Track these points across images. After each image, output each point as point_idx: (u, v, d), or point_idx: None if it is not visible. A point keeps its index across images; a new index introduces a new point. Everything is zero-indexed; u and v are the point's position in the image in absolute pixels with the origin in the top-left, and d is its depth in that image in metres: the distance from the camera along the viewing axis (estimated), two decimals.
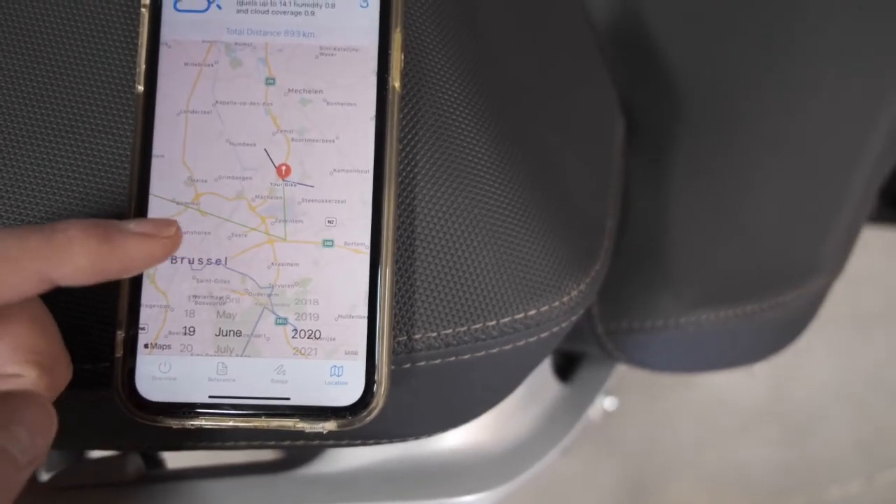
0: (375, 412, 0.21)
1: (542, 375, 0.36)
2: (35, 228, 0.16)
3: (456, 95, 0.24)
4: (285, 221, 0.21)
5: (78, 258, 0.16)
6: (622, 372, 0.93)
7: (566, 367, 0.39)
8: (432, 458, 0.31)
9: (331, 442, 0.25)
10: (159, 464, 0.32)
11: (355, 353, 0.21)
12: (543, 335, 0.24)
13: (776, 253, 0.33)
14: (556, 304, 0.24)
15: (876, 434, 0.94)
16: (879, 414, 0.95)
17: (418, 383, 0.23)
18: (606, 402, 0.65)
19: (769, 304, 0.32)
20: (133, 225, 0.18)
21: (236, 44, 0.22)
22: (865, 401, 0.95)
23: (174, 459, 0.32)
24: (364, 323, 0.21)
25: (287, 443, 0.24)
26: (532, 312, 0.24)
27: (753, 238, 0.33)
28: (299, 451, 0.31)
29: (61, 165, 0.22)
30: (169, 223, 0.19)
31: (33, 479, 0.35)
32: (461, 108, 0.24)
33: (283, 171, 0.21)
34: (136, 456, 0.29)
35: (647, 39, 0.36)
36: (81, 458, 0.31)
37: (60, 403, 0.22)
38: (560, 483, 0.89)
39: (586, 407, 0.36)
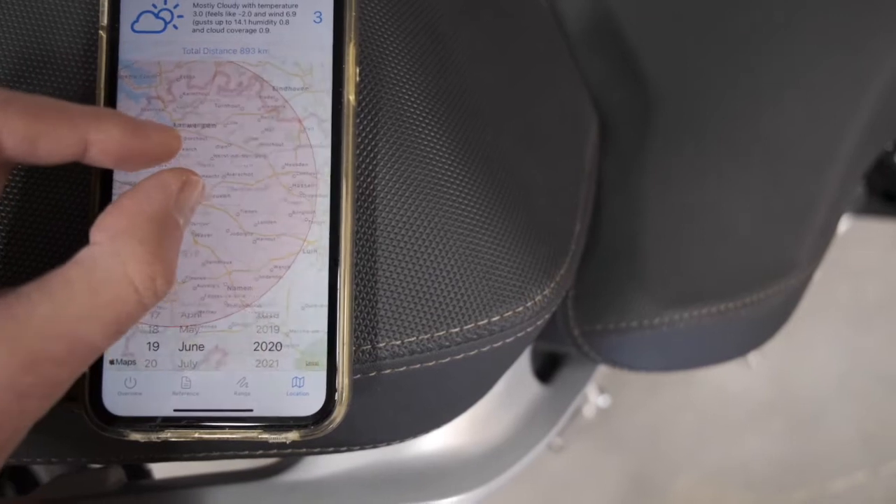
0: (338, 421, 0.21)
1: (523, 378, 0.36)
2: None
3: (416, 106, 0.24)
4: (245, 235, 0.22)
5: (114, 128, 0.18)
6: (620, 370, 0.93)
7: (548, 370, 0.40)
8: (413, 461, 0.31)
9: (303, 450, 0.26)
10: (142, 474, 0.32)
11: (316, 363, 0.21)
12: (509, 340, 0.25)
13: (749, 252, 0.33)
14: (521, 309, 0.24)
15: (880, 425, 0.94)
16: (883, 405, 0.95)
17: (384, 391, 0.24)
18: (600, 400, 0.65)
19: (742, 301, 0.32)
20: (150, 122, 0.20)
21: (192, 62, 0.22)
22: (869, 393, 0.95)
23: (157, 470, 0.33)
24: (324, 334, 0.21)
25: (259, 452, 0.25)
26: (496, 318, 0.24)
27: (725, 238, 0.33)
28: (279, 458, 0.32)
29: (30, 193, 0.23)
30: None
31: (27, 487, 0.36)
32: (421, 119, 0.24)
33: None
34: (119, 467, 0.30)
35: (621, 43, 0.37)
36: (65, 471, 0.32)
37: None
38: (564, 481, 0.89)
39: (567, 407, 0.36)
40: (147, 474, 0.33)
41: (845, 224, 0.69)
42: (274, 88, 0.22)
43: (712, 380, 0.94)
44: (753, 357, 0.84)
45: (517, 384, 0.36)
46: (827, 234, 0.35)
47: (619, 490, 0.90)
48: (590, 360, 0.35)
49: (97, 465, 0.31)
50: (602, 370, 0.72)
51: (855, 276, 0.95)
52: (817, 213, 0.34)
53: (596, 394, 0.65)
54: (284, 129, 0.22)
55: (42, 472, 0.38)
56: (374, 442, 0.25)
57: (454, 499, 0.30)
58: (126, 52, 0.22)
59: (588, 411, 0.66)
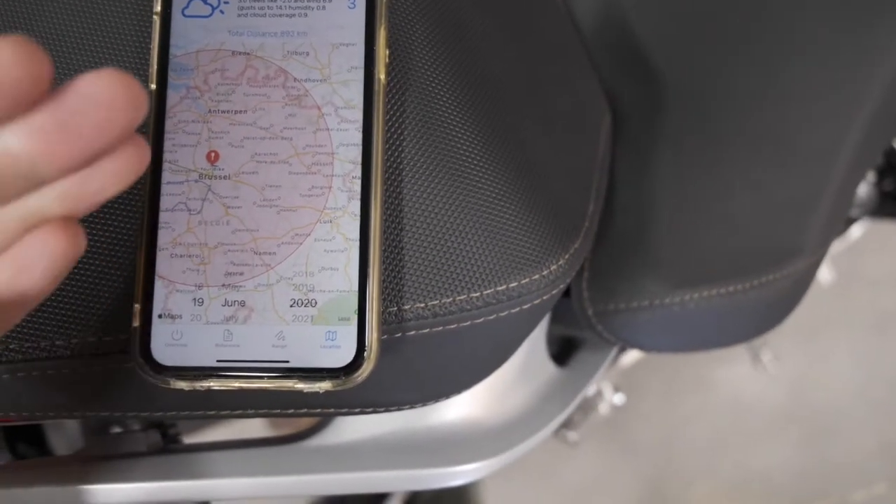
0: (367, 373, 0.23)
1: (540, 360, 0.38)
2: None
3: (440, 87, 0.26)
4: (283, 203, 0.24)
5: None
6: (639, 375, 0.93)
7: (563, 357, 0.41)
8: (431, 431, 0.33)
9: (332, 410, 0.27)
10: (176, 439, 0.34)
11: (347, 319, 0.23)
12: (525, 307, 0.26)
13: (757, 236, 0.34)
14: (537, 277, 0.26)
15: None
16: None
17: (409, 351, 0.25)
18: (615, 398, 0.66)
19: (751, 284, 0.33)
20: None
21: (237, 44, 0.24)
22: (888, 402, 0.94)
23: (189, 437, 0.34)
24: (356, 292, 0.23)
25: (291, 411, 0.27)
26: (513, 285, 0.25)
27: (735, 223, 0.34)
28: (304, 425, 0.33)
29: None
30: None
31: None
32: (445, 99, 0.26)
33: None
34: (155, 432, 0.32)
35: (631, 38, 0.38)
36: (104, 434, 0.34)
37: (86, 373, 0.25)
38: (580, 487, 0.90)
39: (582, 388, 0.37)
40: (180, 441, 0.34)
41: (859, 230, 0.69)
42: (296, 80, 0.24)
43: (728, 387, 0.94)
44: (769, 362, 0.84)
45: (534, 365, 0.37)
46: (835, 221, 0.36)
47: (637, 498, 0.90)
48: (604, 341, 0.36)
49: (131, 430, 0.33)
50: (617, 370, 0.73)
51: (872, 283, 0.95)
52: (824, 201, 0.35)
53: (611, 392, 0.66)
54: (305, 115, 0.24)
55: (59, 445, 0.40)
56: (399, 403, 0.27)
57: (471, 466, 0.32)
58: (177, 35, 0.24)
59: (603, 409, 0.67)
